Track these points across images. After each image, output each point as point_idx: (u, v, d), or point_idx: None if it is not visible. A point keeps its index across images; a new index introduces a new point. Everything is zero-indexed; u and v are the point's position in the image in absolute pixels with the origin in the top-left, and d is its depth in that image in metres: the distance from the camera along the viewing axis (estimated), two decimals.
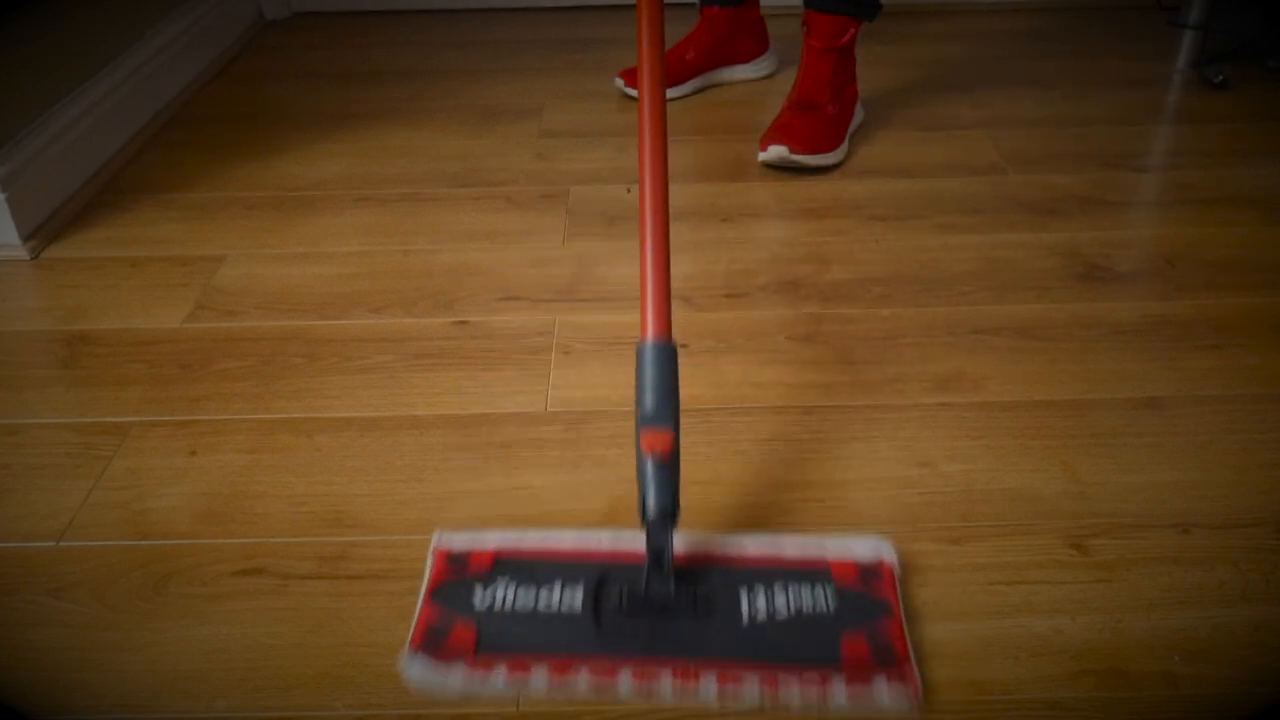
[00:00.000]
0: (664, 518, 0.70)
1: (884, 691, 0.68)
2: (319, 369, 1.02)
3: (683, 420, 0.76)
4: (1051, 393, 0.96)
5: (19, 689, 0.71)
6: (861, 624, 0.72)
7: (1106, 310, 1.08)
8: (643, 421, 0.72)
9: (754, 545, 0.78)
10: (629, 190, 1.34)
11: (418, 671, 0.70)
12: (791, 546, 0.78)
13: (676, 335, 1.04)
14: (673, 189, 1.26)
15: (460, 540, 0.79)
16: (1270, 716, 0.68)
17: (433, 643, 0.72)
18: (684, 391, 0.79)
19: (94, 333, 1.08)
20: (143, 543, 0.82)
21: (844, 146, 1.40)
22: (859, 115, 1.48)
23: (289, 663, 0.72)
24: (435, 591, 0.75)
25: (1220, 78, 1.59)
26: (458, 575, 0.76)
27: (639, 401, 0.73)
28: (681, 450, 0.73)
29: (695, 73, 1.62)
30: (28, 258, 1.22)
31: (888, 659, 0.70)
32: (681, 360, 0.99)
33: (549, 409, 0.96)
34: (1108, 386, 0.97)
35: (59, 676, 0.72)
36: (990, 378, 0.98)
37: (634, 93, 1.60)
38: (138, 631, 0.75)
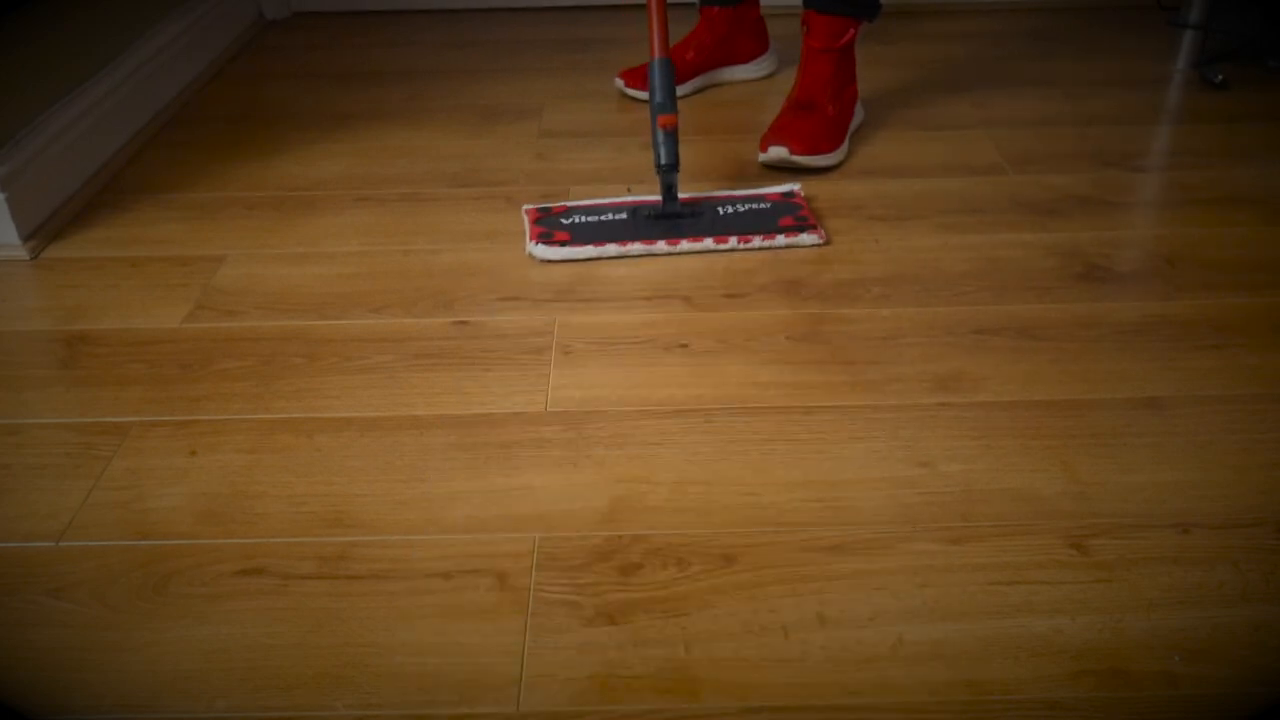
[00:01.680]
0: (672, 165, 1.19)
1: (807, 237, 1.19)
2: (319, 369, 1.02)
3: (683, 420, 0.92)
4: (1051, 393, 0.96)
5: (19, 689, 0.71)
6: (788, 214, 1.23)
7: (1106, 310, 1.08)
8: (657, 108, 1.18)
9: (721, 193, 1.29)
10: (629, 190, 1.34)
11: (540, 249, 1.17)
12: (742, 192, 1.29)
13: (677, 335, 1.04)
14: None
15: (539, 205, 1.28)
16: (1270, 716, 0.68)
17: (544, 238, 1.19)
18: (684, 391, 0.98)
19: (94, 333, 1.08)
20: (143, 543, 0.82)
21: (844, 147, 1.40)
22: (859, 115, 1.48)
23: (289, 663, 0.72)
24: (536, 220, 1.23)
25: (1220, 78, 1.59)
26: (547, 213, 1.24)
27: (651, 96, 1.20)
28: (681, 449, 0.88)
29: (695, 73, 1.62)
30: (28, 258, 1.22)
31: (806, 224, 1.21)
32: (681, 360, 1.01)
33: (549, 409, 0.96)
34: (1108, 386, 0.97)
35: (59, 676, 0.72)
36: (990, 378, 0.98)
37: (634, 93, 1.60)
38: (138, 631, 0.75)
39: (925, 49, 1.81)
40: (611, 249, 1.17)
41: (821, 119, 1.38)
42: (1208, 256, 1.17)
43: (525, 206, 1.27)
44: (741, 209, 1.24)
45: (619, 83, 1.62)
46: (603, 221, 1.21)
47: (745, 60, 1.67)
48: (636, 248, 1.17)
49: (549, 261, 1.16)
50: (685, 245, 1.18)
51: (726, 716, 0.68)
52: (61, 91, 1.36)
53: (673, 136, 1.17)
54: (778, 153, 1.34)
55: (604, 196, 1.29)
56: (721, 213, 1.23)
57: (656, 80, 1.19)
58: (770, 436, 0.92)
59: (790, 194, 1.28)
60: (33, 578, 0.79)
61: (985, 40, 1.84)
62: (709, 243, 1.18)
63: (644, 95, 1.60)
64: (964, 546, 0.80)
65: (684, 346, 1.04)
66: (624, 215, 1.23)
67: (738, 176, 1.37)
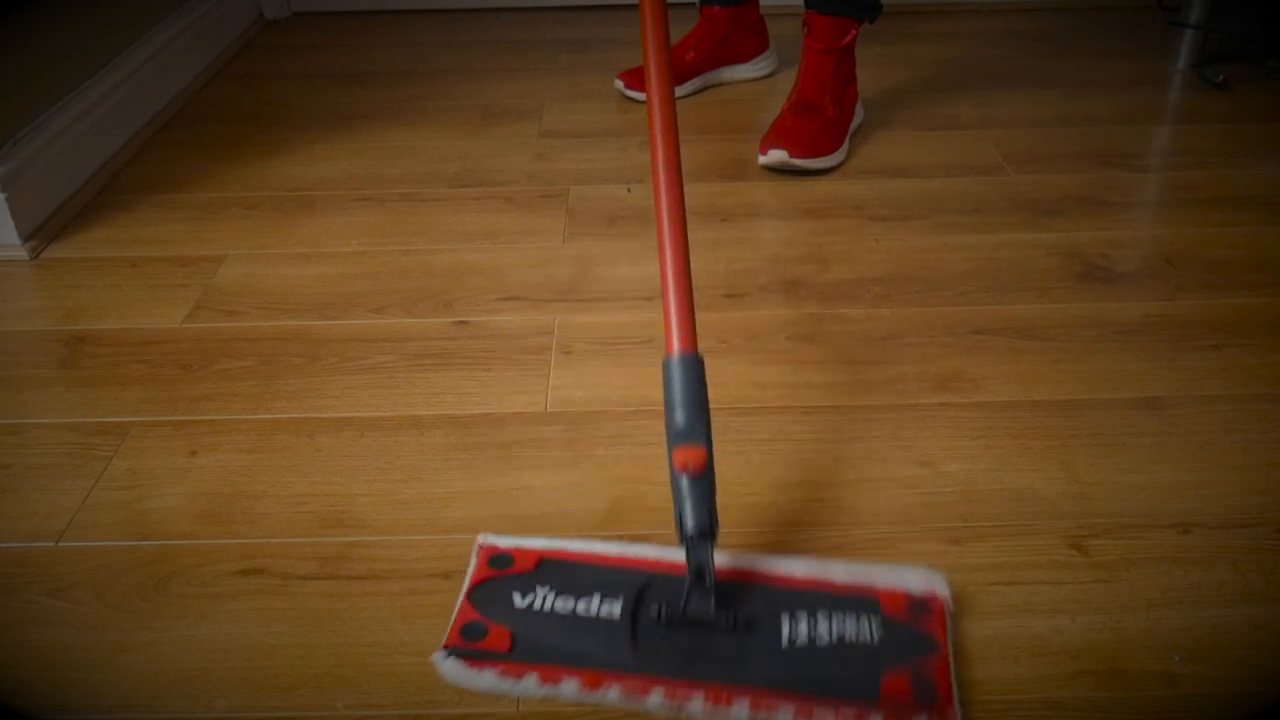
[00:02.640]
0: (704, 534, 0.69)
1: None
2: (319, 369, 1.02)
3: None
4: (1051, 393, 0.96)
5: (19, 689, 0.71)
6: (906, 660, 0.69)
7: (1106, 310, 1.08)
8: (674, 438, 0.71)
9: (801, 568, 0.75)
10: (629, 190, 1.34)
11: (450, 669, 0.70)
12: (840, 572, 0.75)
13: None
14: None
15: (505, 541, 0.79)
16: (1270, 716, 0.68)
17: (468, 642, 0.71)
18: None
19: (94, 333, 1.08)
20: (143, 543, 0.82)
21: (844, 148, 1.40)
22: (859, 116, 1.48)
23: (289, 663, 0.72)
24: (475, 590, 0.75)
25: (1220, 78, 1.59)
26: (500, 568, 0.77)
27: (669, 417, 0.72)
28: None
29: (695, 72, 1.62)
30: (28, 258, 1.22)
31: (929, 698, 0.66)
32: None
33: (549, 409, 0.96)
34: (1108, 386, 0.97)
35: (59, 676, 0.72)
36: (990, 378, 0.98)
37: (634, 94, 1.60)
38: (138, 631, 0.75)
39: (925, 49, 1.81)
40: (571, 689, 0.69)
41: (822, 120, 1.38)
42: (1208, 256, 1.17)
43: (480, 540, 0.80)
44: (825, 629, 0.71)
45: (619, 83, 1.62)
46: (578, 620, 0.72)
47: (745, 60, 1.67)
48: (613, 695, 0.68)
49: (455, 687, 0.70)
50: (700, 708, 0.67)
51: None
52: (61, 91, 1.36)
53: (703, 485, 0.70)
54: (777, 156, 1.34)
55: (610, 542, 0.79)
56: (787, 634, 0.71)
57: (676, 388, 0.73)
58: (770, 436, 0.92)
59: (926, 601, 0.73)
60: (33, 578, 0.79)
61: (985, 40, 1.84)
62: (744, 711, 0.67)
63: (644, 96, 1.60)
64: (964, 546, 0.80)
65: None
66: (616, 608, 0.73)
67: (738, 177, 1.37)
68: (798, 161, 1.34)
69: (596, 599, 0.73)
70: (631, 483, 0.87)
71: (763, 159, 1.36)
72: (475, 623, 0.73)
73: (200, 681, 0.71)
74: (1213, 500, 0.84)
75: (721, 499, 0.83)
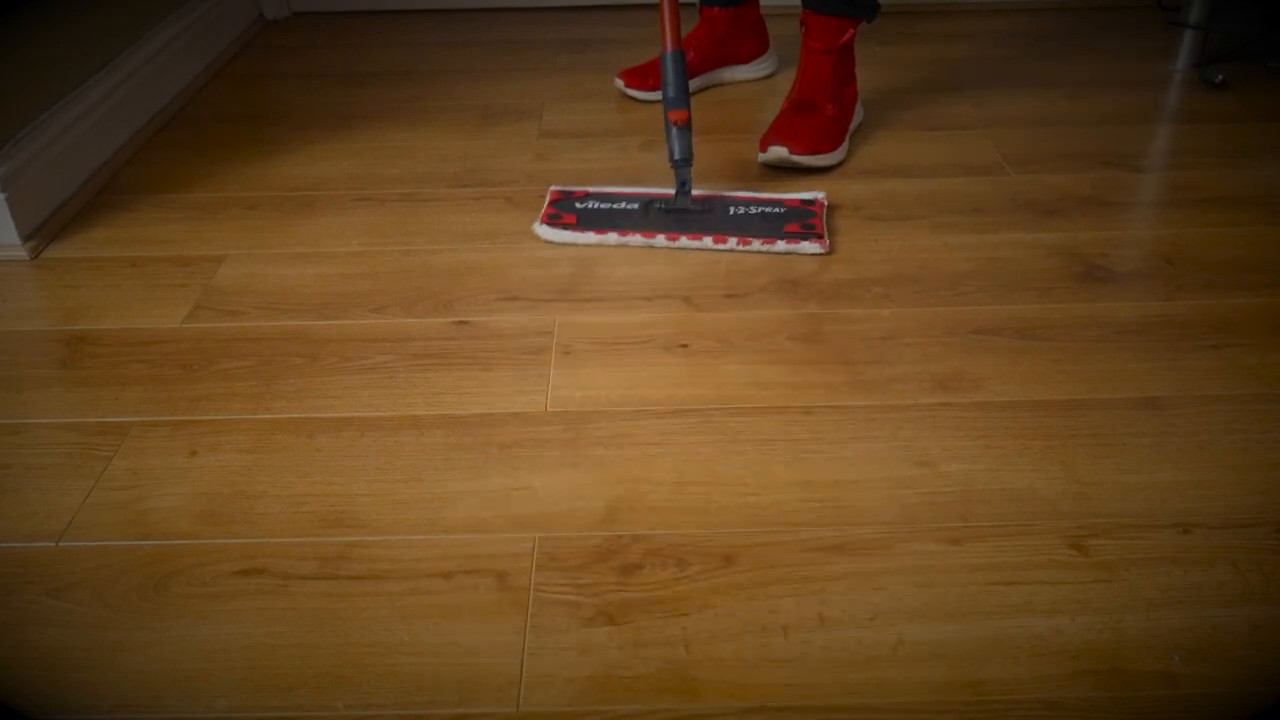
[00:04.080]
0: (685, 159, 1.20)
1: (808, 245, 1.18)
2: (319, 369, 1.02)
3: (683, 420, 0.93)
4: (1051, 393, 0.96)
5: (19, 689, 0.71)
6: (798, 220, 1.22)
7: (1106, 310, 1.08)
8: (669, 104, 1.19)
9: (741, 192, 1.29)
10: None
11: (544, 230, 1.22)
12: (764, 193, 1.28)
13: (676, 335, 1.04)
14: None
15: (565, 186, 1.32)
16: (1270, 716, 0.68)
17: (553, 218, 1.23)
18: (684, 391, 0.97)
19: (94, 333, 1.08)
20: (143, 543, 0.82)
21: (844, 147, 1.40)
22: (859, 115, 1.48)
23: (289, 663, 0.72)
24: (554, 201, 1.27)
25: (1220, 78, 1.59)
26: (567, 195, 1.29)
27: (664, 91, 1.20)
28: (681, 449, 0.89)
29: (695, 73, 1.62)
30: (28, 258, 1.22)
31: (813, 233, 1.19)
32: (681, 360, 1.01)
33: (549, 409, 0.96)
34: (1108, 386, 0.97)
35: (59, 676, 0.72)
36: (990, 378, 0.98)
37: (634, 94, 1.60)
38: (138, 631, 0.75)
39: (925, 49, 1.81)
40: (612, 237, 1.20)
41: (821, 119, 1.38)
42: (1208, 256, 1.17)
43: (551, 187, 1.33)
44: (753, 211, 1.24)
45: (619, 83, 1.62)
46: (613, 210, 1.25)
47: (745, 61, 1.67)
48: (636, 239, 1.20)
49: (550, 242, 1.21)
50: (684, 242, 1.19)
51: (726, 716, 0.68)
52: (61, 91, 1.36)
53: (686, 131, 1.18)
54: (777, 152, 1.34)
55: (628, 185, 1.33)
56: (731, 213, 1.24)
57: (669, 74, 1.19)
58: (770, 436, 0.92)
59: (810, 201, 1.26)
60: (33, 578, 0.79)
61: (985, 40, 1.84)
62: (708, 241, 1.19)
63: (644, 95, 1.60)
64: (964, 546, 0.80)
65: (684, 346, 1.04)
66: (635, 206, 1.25)
67: (738, 176, 1.37)
68: (798, 158, 1.34)
69: (623, 202, 1.27)
70: (631, 483, 0.87)
71: (763, 156, 1.36)
72: (555, 212, 1.25)
73: (200, 681, 0.71)
74: (1213, 500, 0.84)
75: (722, 499, 0.84)
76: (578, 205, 1.25)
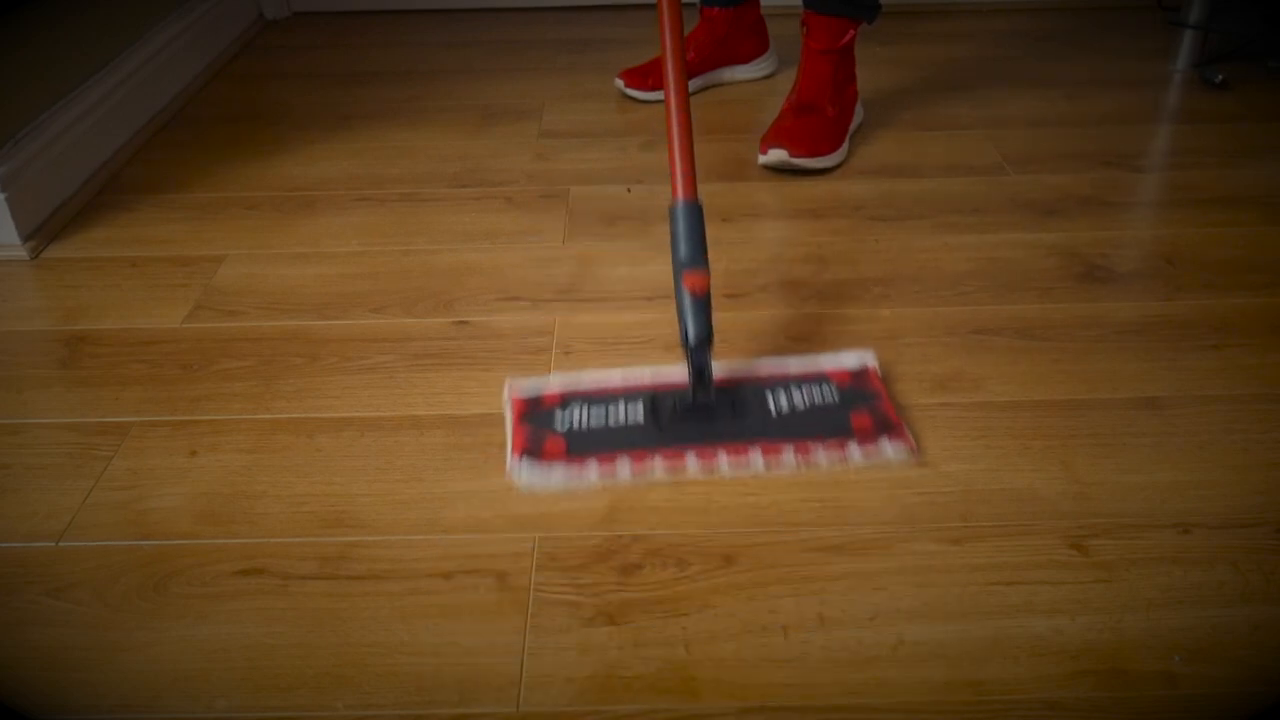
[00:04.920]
0: (704, 342, 0.87)
1: (888, 448, 0.88)
2: (319, 369, 1.02)
3: None
4: (1051, 393, 0.96)
5: (19, 689, 0.71)
6: (862, 406, 0.92)
7: (1106, 310, 1.08)
8: (682, 265, 0.88)
9: (767, 367, 0.97)
10: (629, 190, 1.34)
11: (525, 473, 0.86)
12: (795, 364, 0.97)
13: (676, 335, 1.03)
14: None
15: (529, 386, 0.95)
16: (1270, 716, 0.68)
17: (532, 452, 0.88)
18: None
19: (94, 333, 1.08)
20: (143, 543, 0.82)
21: (844, 148, 1.40)
22: (859, 116, 1.48)
23: (289, 663, 0.72)
24: (522, 418, 0.91)
25: (1220, 78, 1.59)
26: (535, 408, 0.93)
27: (675, 250, 0.89)
28: None
29: (695, 73, 1.62)
30: (28, 258, 1.22)
31: (887, 426, 0.90)
32: (682, 360, 1.00)
33: None
34: (1108, 386, 0.97)
35: (59, 676, 0.72)
36: (990, 378, 0.98)
37: (634, 94, 1.60)
38: (138, 631, 0.75)
39: (925, 49, 1.81)
40: (624, 469, 0.87)
41: (821, 120, 1.38)
42: (1208, 256, 1.17)
43: (508, 386, 0.96)
44: (799, 400, 0.93)
45: (619, 83, 1.63)
46: (612, 424, 0.91)
47: (745, 60, 1.67)
48: (658, 466, 0.87)
49: (539, 490, 0.86)
50: (725, 462, 0.87)
51: (726, 716, 0.68)
52: (61, 91, 1.36)
53: (704, 303, 0.87)
54: (778, 155, 1.34)
55: (613, 370, 0.98)
56: (772, 407, 0.92)
57: (680, 226, 0.89)
58: None
59: (861, 372, 0.96)
60: (33, 578, 0.79)
61: (985, 40, 1.84)
62: (757, 459, 0.88)
63: (644, 95, 1.60)
64: (964, 546, 0.80)
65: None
66: (640, 409, 0.92)
67: (738, 177, 1.37)
68: (798, 161, 1.34)
69: (621, 404, 0.93)
70: (632, 483, 0.87)
71: (763, 159, 1.36)
72: (530, 438, 0.89)
73: (200, 681, 0.71)
74: (1213, 500, 0.84)
75: (722, 499, 0.84)
76: (558, 423, 0.90)
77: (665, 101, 0.92)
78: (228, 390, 0.99)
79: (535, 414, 0.92)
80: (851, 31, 1.38)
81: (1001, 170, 1.37)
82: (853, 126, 1.45)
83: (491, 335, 1.06)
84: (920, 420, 0.93)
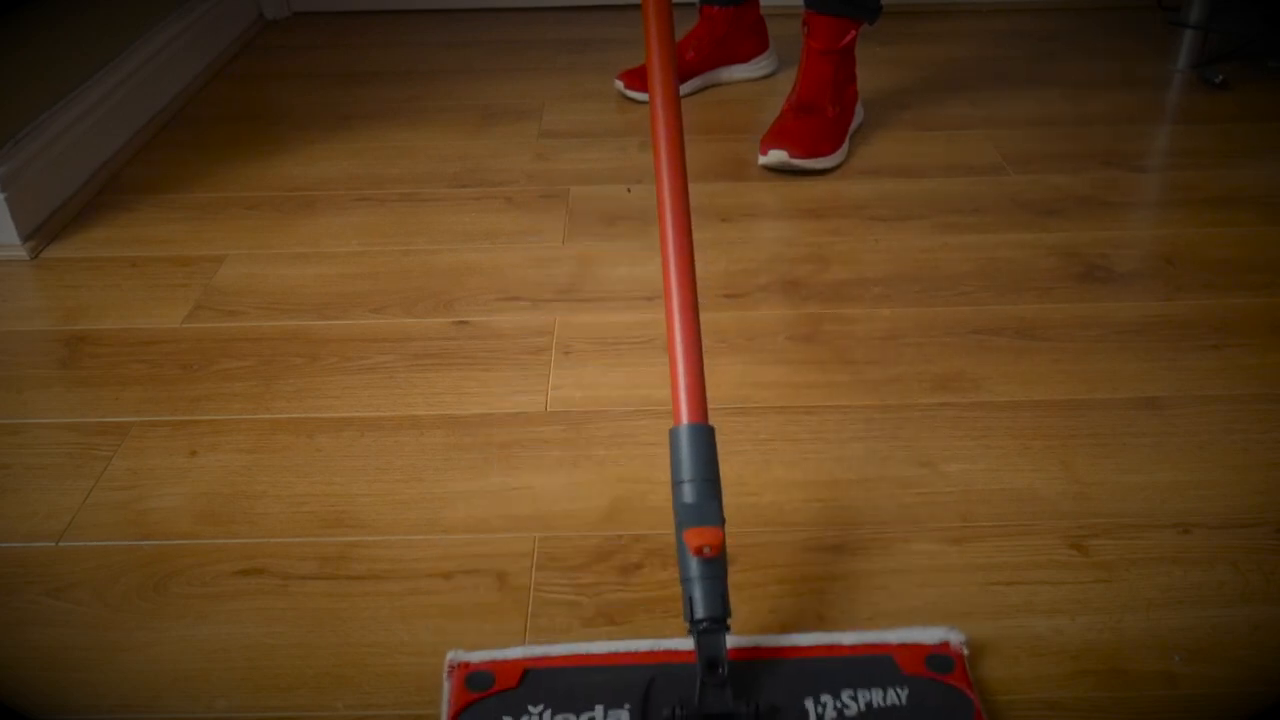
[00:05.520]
0: (715, 622, 0.63)
1: None
2: (319, 369, 1.02)
3: None
4: (1051, 393, 0.96)
5: (19, 689, 0.71)
6: (941, 710, 0.65)
7: (1106, 310, 1.08)
8: (685, 517, 0.65)
9: (810, 640, 0.70)
10: (629, 190, 1.34)
11: None
12: (850, 640, 0.70)
13: None
14: None
15: (478, 657, 0.69)
16: (1270, 716, 0.68)
17: None
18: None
19: (94, 333, 1.08)
20: (143, 543, 0.82)
21: (844, 148, 1.40)
22: (859, 116, 1.48)
23: (289, 663, 0.72)
24: (463, 709, 0.65)
25: (1220, 78, 1.59)
26: (481, 699, 0.66)
27: (677, 493, 0.67)
28: None
29: (695, 73, 1.62)
30: (28, 258, 1.22)
31: None
32: None
33: (549, 409, 0.96)
34: (1108, 386, 0.97)
35: (59, 676, 0.72)
36: (990, 378, 0.98)
37: (634, 95, 1.60)
38: (138, 631, 0.75)
39: (925, 49, 1.81)
40: None
41: (822, 121, 1.38)
42: (1208, 256, 1.17)
43: (449, 661, 0.69)
44: (853, 704, 0.66)
45: (619, 84, 1.62)
46: None
47: (745, 60, 1.67)
48: None
49: None
50: None
51: None
52: (61, 91, 1.36)
53: (717, 565, 0.65)
54: (778, 156, 1.34)
55: (598, 642, 0.71)
56: (813, 714, 0.65)
57: (684, 460, 0.67)
58: (770, 436, 0.92)
59: (941, 661, 0.68)
60: (33, 578, 0.79)
61: (985, 40, 1.84)
62: None
63: (643, 97, 1.60)
64: (964, 546, 0.80)
65: None
66: (624, 717, 0.65)
67: (738, 177, 1.37)
68: (798, 162, 1.34)
69: (600, 711, 0.65)
70: (631, 483, 0.87)
71: (763, 159, 1.36)
72: None
73: (200, 681, 0.71)
74: (1213, 500, 0.84)
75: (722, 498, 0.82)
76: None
77: (665, 290, 0.73)
78: (228, 390, 0.99)
79: (476, 714, 0.65)
80: (853, 32, 1.38)
81: (1001, 170, 1.37)
82: (853, 127, 1.45)
83: (491, 335, 1.06)
84: (920, 420, 0.93)
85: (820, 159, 1.36)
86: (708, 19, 1.62)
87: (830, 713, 0.65)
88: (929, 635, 0.69)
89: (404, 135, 1.52)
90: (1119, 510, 0.83)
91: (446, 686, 0.67)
